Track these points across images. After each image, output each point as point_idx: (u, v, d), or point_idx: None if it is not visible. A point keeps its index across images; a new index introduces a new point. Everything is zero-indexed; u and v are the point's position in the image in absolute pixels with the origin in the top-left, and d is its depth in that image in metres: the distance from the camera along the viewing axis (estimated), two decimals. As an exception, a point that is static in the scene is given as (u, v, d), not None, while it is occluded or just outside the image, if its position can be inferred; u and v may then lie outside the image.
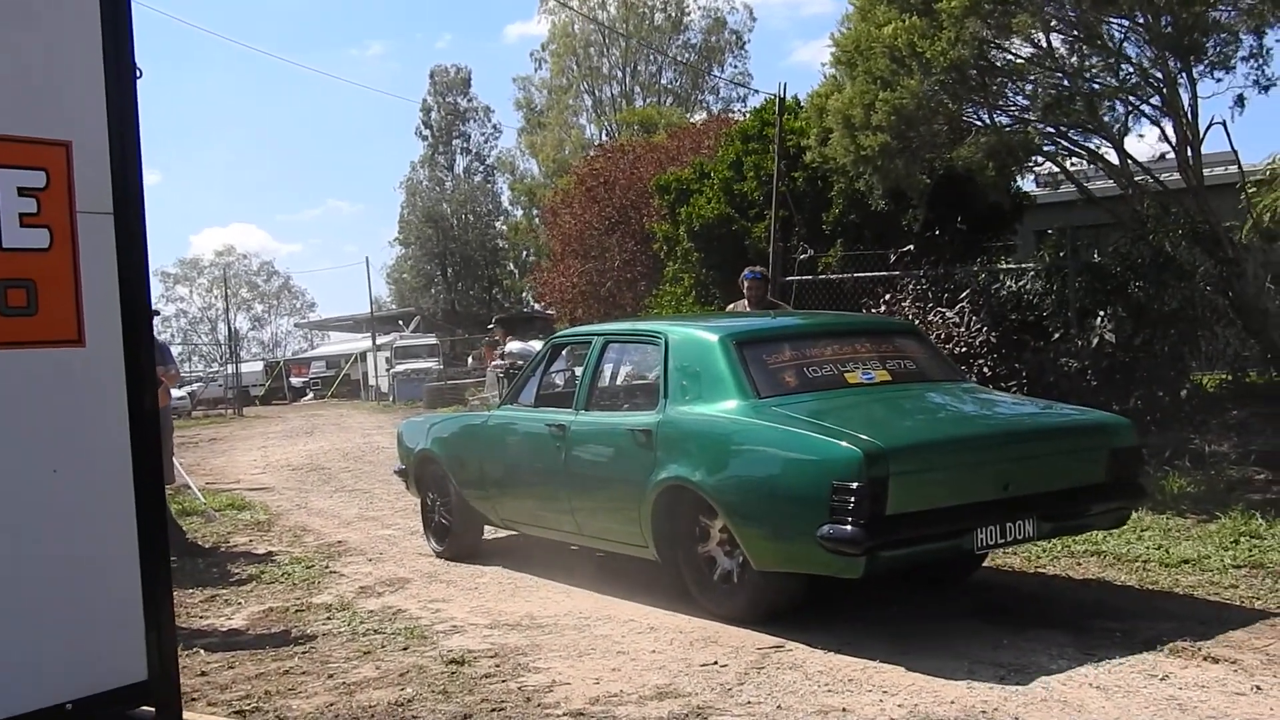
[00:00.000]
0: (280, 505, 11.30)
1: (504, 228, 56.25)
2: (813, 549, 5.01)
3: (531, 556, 7.58)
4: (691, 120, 33.50)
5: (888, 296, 10.78)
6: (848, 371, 5.96)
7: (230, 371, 40.15)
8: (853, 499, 4.87)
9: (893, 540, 4.97)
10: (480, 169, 57.26)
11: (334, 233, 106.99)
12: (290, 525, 9.93)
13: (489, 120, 55.73)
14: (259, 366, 47.18)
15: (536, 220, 50.01)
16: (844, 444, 5.00)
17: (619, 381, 6.92)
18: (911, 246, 11.08)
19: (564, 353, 7.50)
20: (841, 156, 10.28)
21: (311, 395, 43.13)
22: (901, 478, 4.95)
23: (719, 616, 5.71)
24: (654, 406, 6.09)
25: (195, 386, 39.15)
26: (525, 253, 55.55)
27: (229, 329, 57.43)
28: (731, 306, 9.60)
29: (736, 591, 5.66)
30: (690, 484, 5.65)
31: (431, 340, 39.37)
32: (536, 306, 45.79)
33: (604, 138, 41.82)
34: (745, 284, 9.20)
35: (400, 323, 44.75)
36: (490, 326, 23.55)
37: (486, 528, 7.85)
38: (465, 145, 55.99)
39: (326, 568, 7.84)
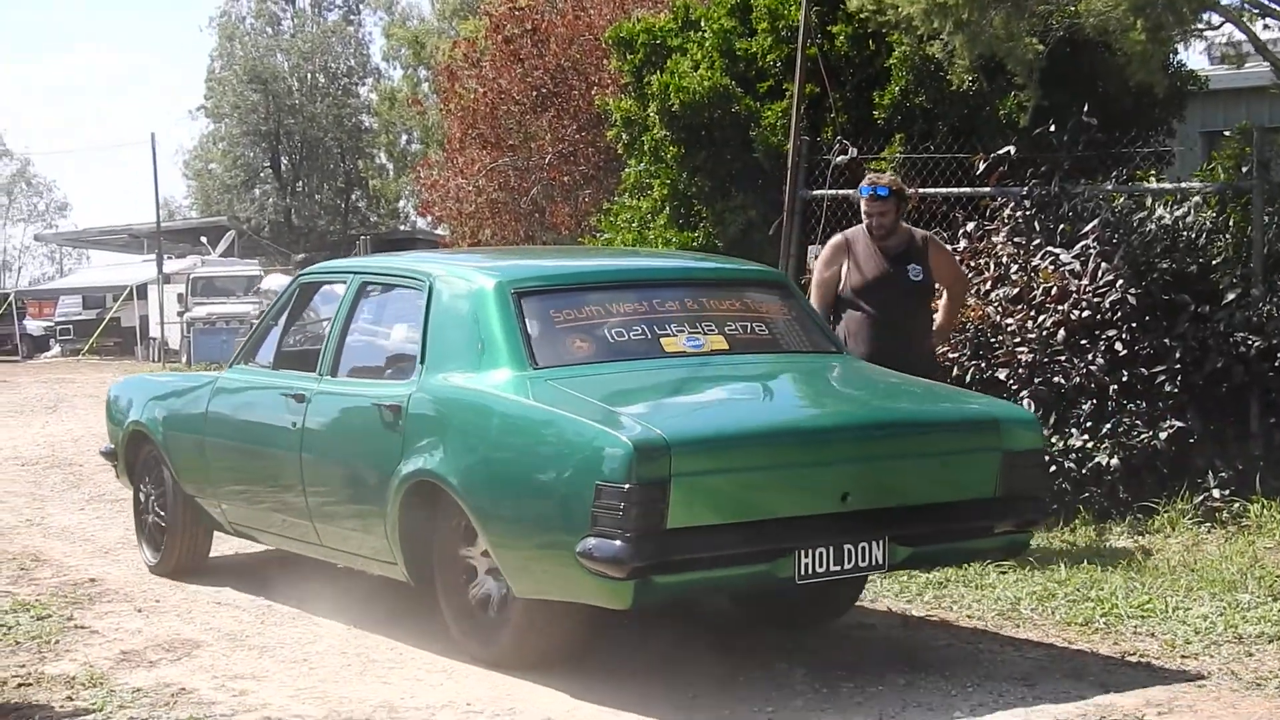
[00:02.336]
0: (1, 520, 11.21)
1: (373, 97, 55.95)
2: (574, 570, 5.81)
3: (399, 610, 7.59)
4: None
5: (970, 226, 10.76)
6: (667, 335, 6.85)
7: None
8: (621, 505, 5.64)
9: (672, 561, 5.74)
10: (339, 3, 56.90)
11: (102, 95, 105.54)
12: (15, 552, 9.90)
13: (355, -75, 55.40)
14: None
15: (425, 87, 49.73)
16: (612, 433, 5.79)
17: (377, 339, 7.78)
18: (1012, 149, 11.01)
19: (315, 297, 8.38)
20: (907, 4, 10.26)
21: (59, 349, 42.78)
22: (689, 479, 5.75)
23: (483, 660, 6.56)
24: (409, 375, 7.02)
25: None
26: (405, 137, 55.31)
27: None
28: (842, 239, 8.77)
29: (499, 626, 6.51)
30: (439, 480, 6.55)
31: (252, 270, 39.05)
32: (420, 222, 45.70)
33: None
34: (864, 204, 8.64)
35: (204, 241, 44.44)
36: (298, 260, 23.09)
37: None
38: (316, -36, 55.62)
39: (70, 620, 7.84)
